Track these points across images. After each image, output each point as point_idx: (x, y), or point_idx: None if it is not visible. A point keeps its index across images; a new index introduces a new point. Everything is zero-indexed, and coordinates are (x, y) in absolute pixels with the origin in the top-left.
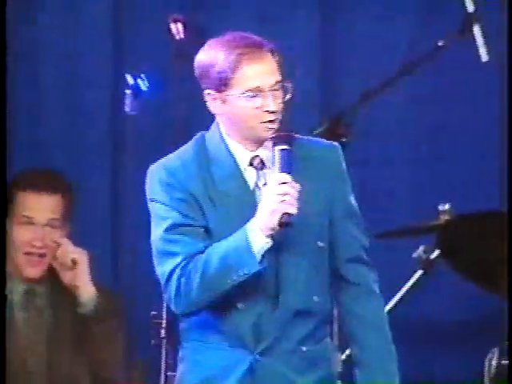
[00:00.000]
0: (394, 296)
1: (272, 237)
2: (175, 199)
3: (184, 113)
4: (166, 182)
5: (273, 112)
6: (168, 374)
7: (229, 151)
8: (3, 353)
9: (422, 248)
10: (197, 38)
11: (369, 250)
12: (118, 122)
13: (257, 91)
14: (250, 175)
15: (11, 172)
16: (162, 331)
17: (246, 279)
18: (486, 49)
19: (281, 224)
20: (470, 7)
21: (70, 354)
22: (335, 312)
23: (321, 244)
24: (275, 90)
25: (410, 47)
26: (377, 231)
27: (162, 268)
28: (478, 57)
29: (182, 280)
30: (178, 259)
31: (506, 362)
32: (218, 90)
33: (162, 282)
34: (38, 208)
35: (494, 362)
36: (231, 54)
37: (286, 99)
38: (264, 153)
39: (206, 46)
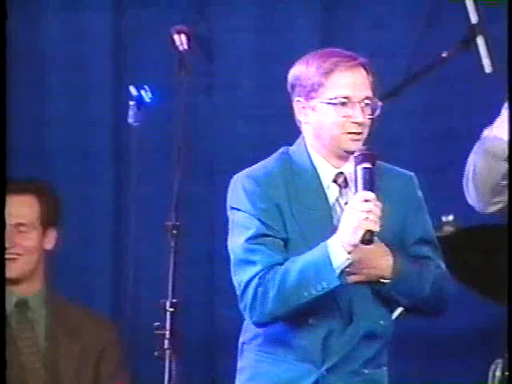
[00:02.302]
0: (397, 307)
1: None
2: (259, 209)
3: (187, 124)
4: (251, 190)
5: (360, 124)
6: None
7: (313, 166)
8: (3, 357)
9: None
10: (200, 50)
11: None
12: (121, 133)
13: (347, 100)
14: (333, 192)
15: None
16: (166, 342)
17: (322, 295)
18: (489, 60)
19: (363, 241)
20: (474, 18)
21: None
22: None
23: None
24: (364, 103)
25: (414, 58)
26: None
27: (240, 277)
28: (482, 68)
29: (259, 290)
30: (257, 269)
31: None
32: (309, 97)
33: (239, 291)
34: (6, 212)
35: (497, 373)
36: (326, 61)
37: (373, 117)
38: (348, 170)
39: (301, 59)
